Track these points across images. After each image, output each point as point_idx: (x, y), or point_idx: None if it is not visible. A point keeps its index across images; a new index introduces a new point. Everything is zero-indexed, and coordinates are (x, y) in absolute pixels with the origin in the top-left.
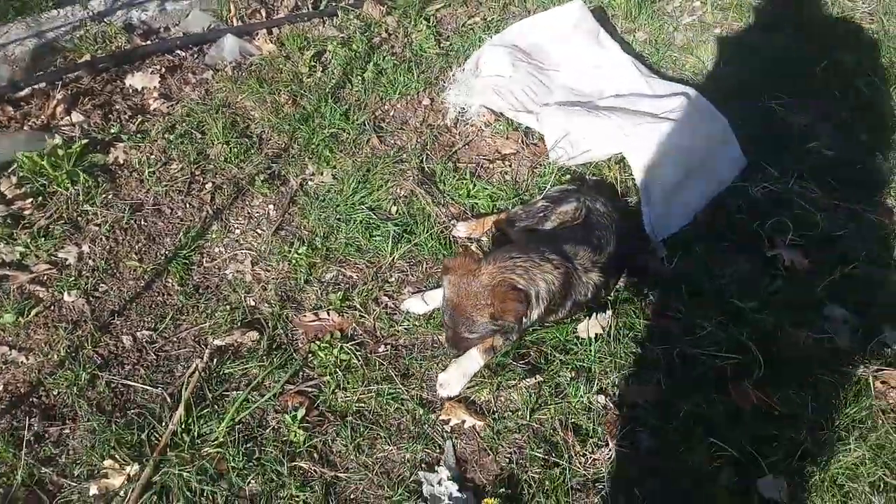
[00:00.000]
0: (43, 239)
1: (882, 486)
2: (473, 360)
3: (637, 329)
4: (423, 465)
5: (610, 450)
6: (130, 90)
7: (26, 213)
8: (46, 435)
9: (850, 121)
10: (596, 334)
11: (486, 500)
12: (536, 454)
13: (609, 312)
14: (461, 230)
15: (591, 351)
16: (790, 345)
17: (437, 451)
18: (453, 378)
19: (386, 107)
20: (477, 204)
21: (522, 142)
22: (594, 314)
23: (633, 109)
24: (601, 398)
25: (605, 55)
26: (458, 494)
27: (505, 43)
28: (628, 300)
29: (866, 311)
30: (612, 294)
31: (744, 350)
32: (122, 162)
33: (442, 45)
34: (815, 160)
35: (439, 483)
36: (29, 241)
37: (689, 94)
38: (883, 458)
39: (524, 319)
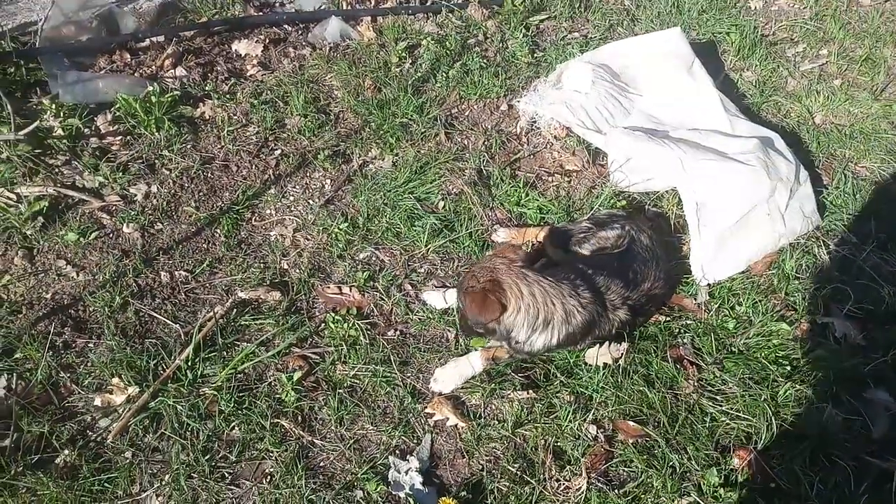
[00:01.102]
0: (121, 173)
1: None
2: (472, 363)
3: (652, 368)
4: (396, 451)
5: (583, 480)
6: (234, 54)
7: (113, 148)
8: (73, 345)
9: None
10: (604, 363)
11: (443, 499)
12: (510, 468)
13: (625, 345)
14: (501, 235)
15: (595, 379)
16: (813, 419)
17: (415, 441)
18: (448, 375)
19: (463, 106)
20: (525, 213)
21: (588, 161)
22: (608, 343)
23: (702, 144)
24: (593, 428)
25: (692, 87)
26: (421, 487)
27: (595, 60)
28: (652, 337)
29: None
30: (637, 329)
31: (760, 414)
32: (207, 117)
33: (535, 55)
34: None
35: (406, 472)
36: (109, 173)
37: (771, 138)
38: None
39: (500, 329)
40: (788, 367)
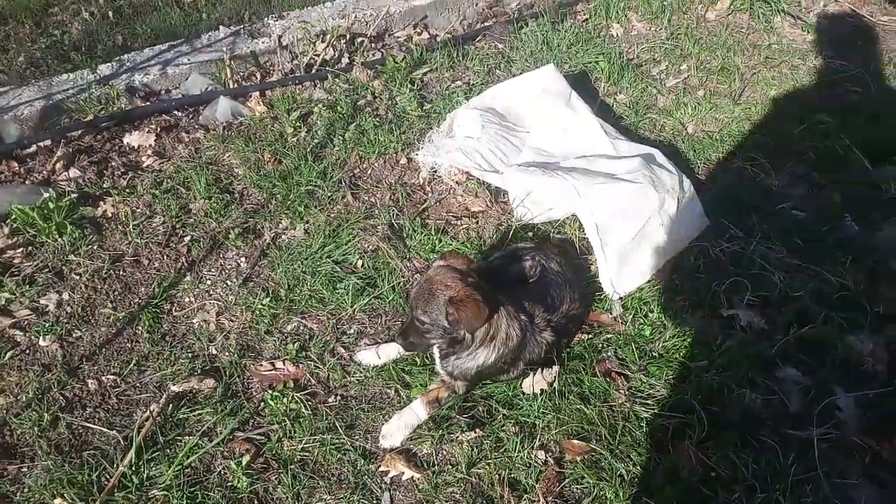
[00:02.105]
0: (28, 286)
1: None
2: (415, 412)
3: (584, 385)
4: None
5: None
6: (127, 148)
7: (16, 261)
8: (5, 473)
9: (824, 183)
10: (541, 390)
11: None
12: None
13: (556, 368)
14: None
15: (535, 406)
16: (736, 405)
17: (375, 501)
18: (395, 428)
19: (364, 165)
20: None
21: (491, 200)
22: (540, 370)
23: (591, 170)
24: (542, 454)
25: (573, 117)
26: None
27: (480, 105)
28: (579, 356)
29: (820, 374)
30: (564, 351)
31: (689, 410)
32: (109, 215)
33: (424, 107)
34: (784, 221)
35: None
36: (14, 287)
37: (652, 154)
38: None
39: (468, 337)
40: (705, 362)
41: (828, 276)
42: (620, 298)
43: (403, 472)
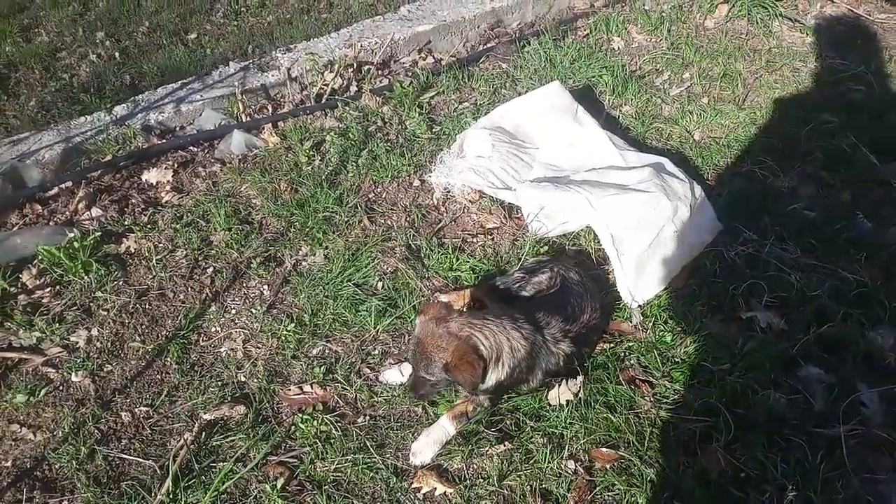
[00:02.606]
0: (57, 324)
1: None
2: (444, 427)
3: (609, 394)
4: None
5: None
6: (146, 185)
7: (44, 300)
8: None
9: (833, 182)
10: (567, 400)
11: None
12: None
13: (580, 378)
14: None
15: (561, 417)
16: (760, 406)
17: None
18: (425, 446)
19: (378, 189)
20: (460, 276)
21: (505, 217)
22: (564, 381)
23: (603, 182)
24: (571, 463)
25: (581, 131)
26: None
27: (489, 125)
28: (603, 365)
29: (842, 371)
30: (587, 361)
31: (714, 413)
32: (132, 251)
33: (434, 129)
34: (796, 222)
35: None
36: (45, 326)
37: (661, 163)
38: None
39: (479, 385)
40: (728, 365)
41: (844, 274)
42: (639, 306)
43: (436, 488)
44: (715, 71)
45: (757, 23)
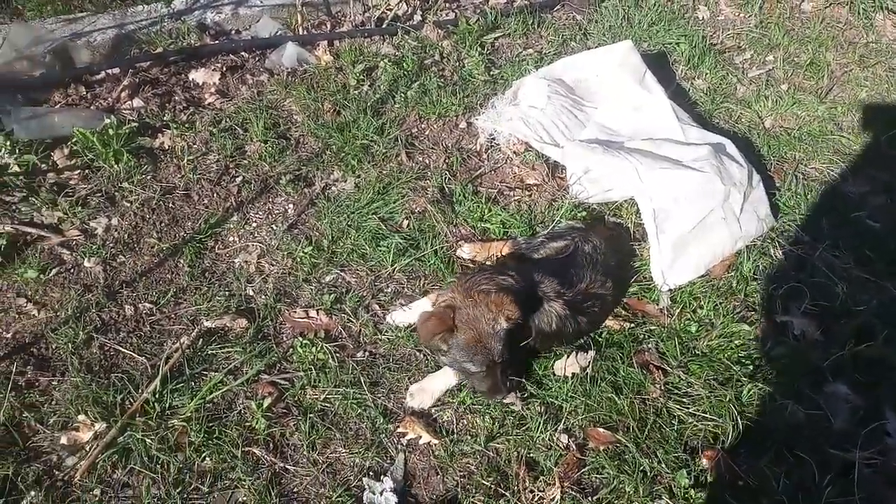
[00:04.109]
0: (80, 208)
1: None
2: (448, 375)
3: (619, 374)
4: (370, 473)
5: (557, 490)
6: (192, 84)
7: (72, 182)
8: (37, 383)
9: None
10: (573, 373)
11: None
12: (485, 482)
13: (591, 353)
14: (465, 251)
15: (564, 389)
16: (776, 416)
17: (388, 461)
18: (426, 388)
19: (422, 125)
20: (488, 229)
21: (548, 175)
22: (575, 353)
23: (657, 153)
24: (564, 437)
25: (645, 97)
26: None
27: (549, 76)
28: (618, 344)
29: (872, 394)
30: (600, 335)
31: (725, 414)
32: (166, 147)
33: (491, 72)
34: (857, 230)
35: (381, 493)
36: (67, 207)
37: (723, 144)
38: None
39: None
40: (751, 367)
41: None
42: (670, 290)
43: (421, 436)
44: (802, 58)
45: (859, 13)
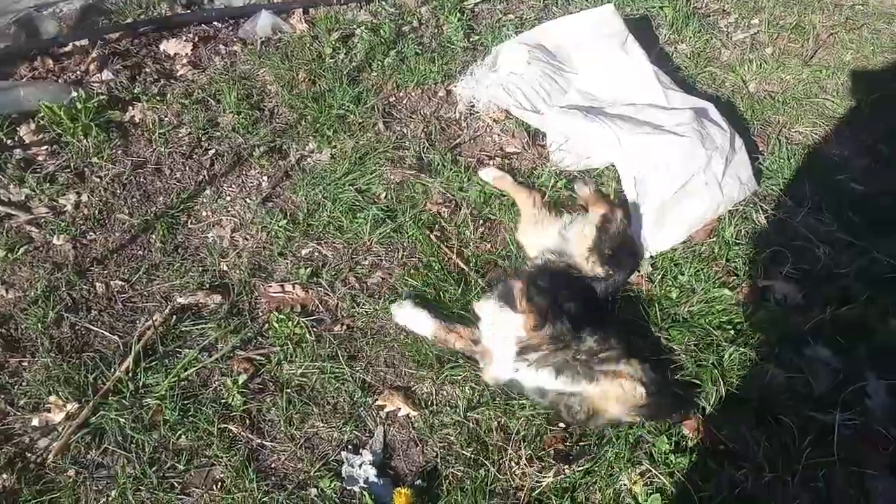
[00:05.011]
0: (48, 184)
1: None
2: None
3: None
4: (348, 446)
5: (536, 459)
6: (163, 55)
7: (39, 158)
8: (6, 365)
9: (890, 157)
10: None
11: (397, 489)
12: (464, 452)
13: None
14: (488, 175)
15: None
16: (756, 380)
17: (367, 434)
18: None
19: (400, 94)
20: (466, 198)
21: (528, 143)
22: None
23: (638, 119)
24: None
25: (626, 62)
26: (375, 479)
27: (529, 41)
28: None
29: (853, 357)
30: None
31: (706, 379)
32: (136, 121)
33: (471, 38)
34: (840, 193)
35: (360, 466)
36: (35, 184)
37: (706, 109)
38: None
39: None
40: (732, 332)
41: (878, 256)
42: (651, 257)
43: (400, 409)
44: (787, 20)
45: None
